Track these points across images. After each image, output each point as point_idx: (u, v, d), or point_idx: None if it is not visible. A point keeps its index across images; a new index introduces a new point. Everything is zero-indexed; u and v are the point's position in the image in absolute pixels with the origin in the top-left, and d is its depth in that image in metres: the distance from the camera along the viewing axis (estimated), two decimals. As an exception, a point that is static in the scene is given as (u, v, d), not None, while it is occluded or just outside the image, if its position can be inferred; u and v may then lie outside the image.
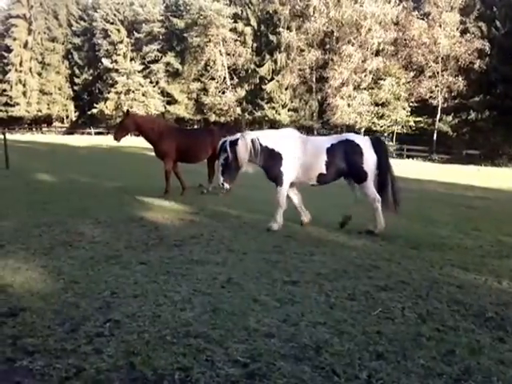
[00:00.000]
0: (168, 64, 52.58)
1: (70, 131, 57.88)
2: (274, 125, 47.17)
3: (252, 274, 4.85)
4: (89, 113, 56.97)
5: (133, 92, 53.56)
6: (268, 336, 3.40)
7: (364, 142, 6.91)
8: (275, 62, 45.01)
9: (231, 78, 49.86)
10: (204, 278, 4.69)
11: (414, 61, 37.91)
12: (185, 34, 49.58)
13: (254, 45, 48.64)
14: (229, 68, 49.39)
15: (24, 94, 58.10)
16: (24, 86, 58.11)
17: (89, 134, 54.98)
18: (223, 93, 49.00)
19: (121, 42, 54.32)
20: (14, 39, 57.74)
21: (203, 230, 6.83)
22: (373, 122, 39.22)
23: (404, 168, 20.63)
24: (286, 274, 4.84)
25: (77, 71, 59.49)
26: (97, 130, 56.30)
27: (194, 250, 5.78)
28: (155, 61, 53.41)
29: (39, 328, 3.42)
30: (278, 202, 6.91)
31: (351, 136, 7.27)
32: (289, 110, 44.82)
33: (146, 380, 2.79)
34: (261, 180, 7.90)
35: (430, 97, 36.72)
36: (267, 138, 6.94)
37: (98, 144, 35.97)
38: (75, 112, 62.00)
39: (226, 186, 6.78)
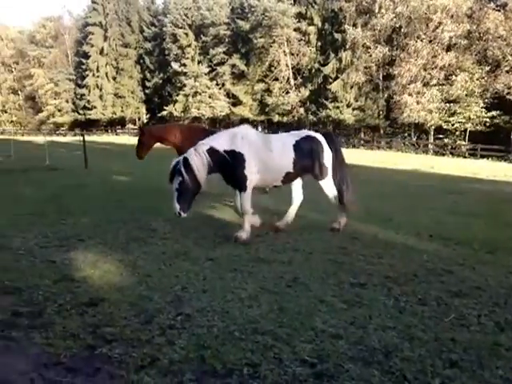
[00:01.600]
0: (233, 66, 53.41)
1: (142, 133, 60.54)
2: (339, 125, 46.47)
3: (318, 274, 4.83)
4: (159, 115, 59.26)
5: (200, 94, 54.97)
6: (335, 337, 3.38)
7: (321, 138, 6.89)
8: (340, 60, 44.22)
9: (295, 78, 49.69)
10: (270, 276, 4.74)
11: (490, 55, 35.57)
12: (250, 36, 50.17)
13: (318, 44, 48.11)
14: (292, 68, 49.25)
15: (100, 97, 61.69)
16: (100, 90, 61.72)
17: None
18: (287, 93, 48.94)
19: (189, 45, 55.92)
20: (92, 46, 61.43)
21: (268, 229, 6.89)
22: (444, 120, 37.38)
23: (478, 168, 19.55)
24: (352, 276, 4.77)
25: (148, 75, 62.07)
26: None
27: (259, 248, 5.86)
28: (221, 63, 54.47)
29: (116, 318, 3.64)
30: (244, 209, 6.22)
31: (310, 132, 7.03)
32: (353, 110, 43.83)
33: (216, 373, 2.88)
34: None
35: (508, 93, 34.36)
36: (223, 139, 6.19)
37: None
38: (146, 114, 64.72)
39: (184, 214, 5.80)
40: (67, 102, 65.98)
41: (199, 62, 55.98)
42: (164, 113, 57.93)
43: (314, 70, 47.62)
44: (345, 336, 3.40)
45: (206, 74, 55.05)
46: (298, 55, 48.21)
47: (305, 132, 7.01)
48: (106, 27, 61.63)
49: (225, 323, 3.58)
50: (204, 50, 56.00)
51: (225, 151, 6.00)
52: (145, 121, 63.11)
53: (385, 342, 3.33)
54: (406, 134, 41.37)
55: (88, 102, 61.80)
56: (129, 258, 5.26)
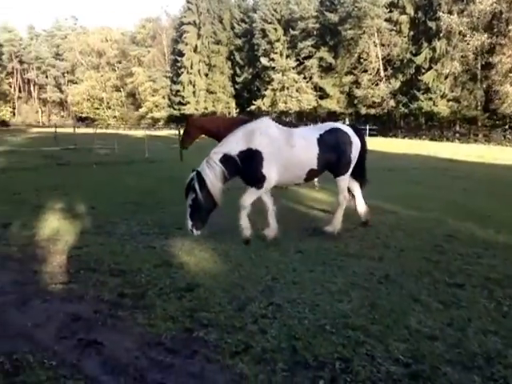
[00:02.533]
0: (321, 59, 52.77)
1: (232, 127, 62.28)
2: (431, 117, 43.96)
3: (411, 272, 4.64)
4: (248, 109, 60.47)
5: (287, 88, 55.19)
6: (431, 338, 3.23)
7: (349, 130, 6.41)
8: (433, 49, 41.67)
9: (385, 69, 47.82)
10: (360, 271, 4.65)
11: None
12: (338, 28, 49.17)
13: (410, 33, 45.78)
14: (383, 59, 47.42)
15: (194, 93, 64.40)
16: (194, 86, 64.43)
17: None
18: (376, 85, 47.30)
19: (277, 40, 56.24)
20: (186, 44, 64.24)
21: (357, 223, 6.75)
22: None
23: None
24: (448, 276, 4.52)
25: (238, 71, 63.55)
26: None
27: (349, 243, 5.76)
28: (309, 56, 54.10)
29: (211, 304, 3.80)
30: (242, 204, 5.64)
31: (335, 124, 6.53)
32: (448, 101, 41.14)
33: (308, 365, 2.90)
34: (421, 175, 7.46)
35: None
36: (238, 139, 5.62)
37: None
38: (236, 109, 66.41)
39: (196, 232, 5.35)
40: (164, 98, 69.74)
41: (287, 57, 56.06)
42: (252, 107, 58.93)
43: (405, 61, 45.47)
44: (441, 338, 3.24)
45: (293, 68, 55.03)
46: (388, 46, 46.34)
47: (330, 124, 6.50)
48: (200, 26, 63.99)
49: (315, 316, 3.58)
50: (292, 44, 55.95)
51: (240, 153, 5.49)
52: (234, 115, 64.69)
53: (486, 346, 3.12)
54: (507, 127, 37.99)
55: (182, 97, 64.78)
56: (222, 246, 5.46)
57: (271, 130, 5.78)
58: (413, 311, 3.69)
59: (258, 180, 5.63)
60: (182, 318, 3.54)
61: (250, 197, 5.67)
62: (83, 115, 78.96)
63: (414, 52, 44.57)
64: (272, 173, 5.64)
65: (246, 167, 5.54)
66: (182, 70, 64.63)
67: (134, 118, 75.54)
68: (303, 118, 56.37)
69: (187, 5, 64.78)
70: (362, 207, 6.68)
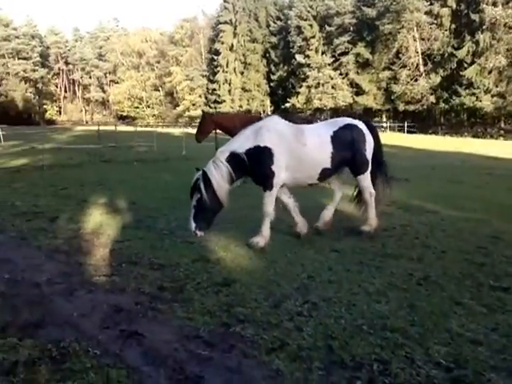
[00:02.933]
0: (358, 55, 52.01)
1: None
2: (474, 113, 42.50)
3: (452, 274, 4.52)
4: (282, 107, 60.39)
5: (322, 85, 54.73)
6: (474, 343, 3.14)
7: (363, 126, 6.09)
8: (476, 43, 40.22)
9: (425, 64, 46.56)
10: (399, 272, 4.57)
11: None
12: (376, 23, 48.28)
13: (452, 26, 44.35)
14: (422, 54, 46.19)
15: (229, 91, 64.99)
16: (229, 84, 65.02)
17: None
18: (415, 80, 46.13)
19: (313, 37, 55.83)
20: (222, 43, 64.84)
21: (396, 223, 6.63)
22: None
23: None
24: (493, 279, 4.37)
25: (273, 68, 63.56)
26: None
27: (386, 242, 5.67)
28: (345, 53, 53.46)
29: (248, 300, 3.84)
30: (265, 211, 5.45)
31: (349, 120, 6.15)
32: (492, 96, 39.63)
33: (345, 365, 2.88)
34: (463, 174, 7.25)
35: None
36: (245, 137, 5.43)
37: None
38: (270, 107, 66.49)
39: (199, 233, 5.13)
40: (200, 96, 70.68)
41: (323, 53, 55.57)
42: (287, 105, 58.79)
43: (446, 55, 44.14)
44: (485, 343, 3.14)
45: (329, 65, 54.50)
46: (428, 40, 45.11)
47: (344, 120, 6.11)
48: (236, 24, 64.39)
49: (352, 316, 3.55)
50: (328, 41, 55.41)
51: (248, 150, 5.30)
52: (269, 113, 64.72)
53: (536, 354, 3.00)
54: (559, 124, 36.27)
55: (218, 96, 65.47)
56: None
57: (279, 126, 5.55)
58: (454, 314, 3.59)
59: (267, 177, 5.36)
60: (220, 312, 3.60)
61: (268, 201, 5.44)
62: (124, 114, 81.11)
63: (455, 46, 43.23)
64: (281, 170, 5.39)
65: (255, 165, 5.32)
66: (218, 68, 65.28)
67: (172, 117, 76.90)
68: (339, 114, 55.70)
69: (224, 4, 65.33)
70: (327, 214, 6.14)
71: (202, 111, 11.61)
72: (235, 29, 64.53)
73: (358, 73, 53.02)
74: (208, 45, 71.55)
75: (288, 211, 5.85)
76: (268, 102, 66.70)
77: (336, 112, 56.21)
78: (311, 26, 55.92)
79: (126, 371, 2.75)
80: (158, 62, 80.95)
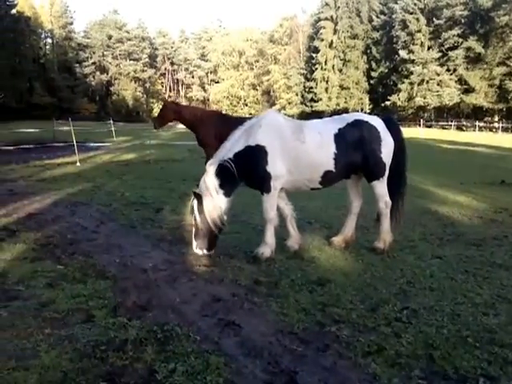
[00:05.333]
0: (468, 49, 48.40)
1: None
2: None
3: None
4: (382, 105, 58.34)
5: (427, 82, 51.87)
6: None
7: (378, 123, 5.12)
8: None
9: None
10: (510, 284, 4.23)
11: None
12: (491, 14, 44.48)
13: None
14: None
15: (326, 89, 64.19)
16: (327, 82, 64.23)
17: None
18: (537, 76, 41.91)
19: (419, 31, 53.10)
20: (321, 40, 64.22)
21: (507, 232, 6.11)
22: None
23: None
24: None
25: (374, 65, 61.55)
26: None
27: (495, 252, 5.25)
28: (454, 47, 50.07)
29: (343, 300, 3.80)
30: (266, 217, 4.92)
31: (360, 116, 5.27)
32: None
33: (447, 376, 2.73)
34: None
35: None
36: (236, 139, 4.92)
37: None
38: (369, 105, 64.54)
39: (201, 252, 4.82)
40: (297, 95, 70.80)
41: (429, 48, 52.60)
42: (387, 103, 56.62)
43: None
44: None
45: (435, 60, 51.43)
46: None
47: (354, 116, 5.30)
48: (337, 20, 63.41)
49: (456, 326, 3.35)
50: (435, 35, 52.31)
51: (237, 154, 4.81)
52: (367, 111, 62.91)
53: None
54: None
55: (315, 94, 65.01)
56: (353, 244, 5.37)
57: (274, 122, 4.97)
58: None
59: (262, 180, 4.83)
60: (314, 311, 3.60)
61: (268, 205, 4.89)
62: (222, 112, 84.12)
63: None
64: (278, 170, 4.80)
65: (248, 167, 4.81)
66: (316, 66, 64.79)
67: (268, 115, 77.97)
68: (444, 113, 52.47)
69: (325, 0, 64.61)
70: (348, 230, 5.35)
71: (163, 99, 10.92)
72: (336, 25, 63.55)
73: (467, 69, 49.37)
74: (307, 42, 71.35)
75: (284, 219, 5.24)
76: (367, 100, 64.75)
77: (441, 111, 52.96)
78: (417, 19, 53.17)
79: (224, 359, 2.87)
80: (257, 61, 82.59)
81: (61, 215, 6.94)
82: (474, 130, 44.03)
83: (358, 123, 5.04)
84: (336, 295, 3.91)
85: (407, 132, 41.05)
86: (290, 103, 71.86)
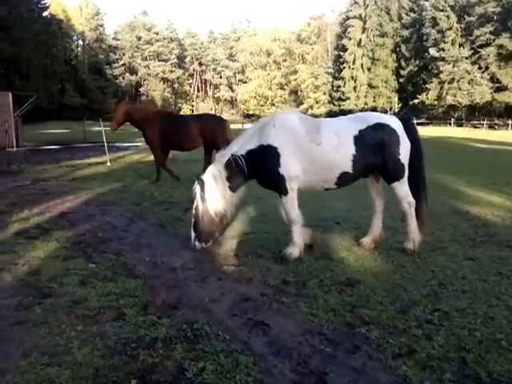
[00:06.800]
0: (501, 46, 47.01)
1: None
2: None
3: None
4: (411, 104, 57.32)
5: (457, 81, 50.66)
6: None
7: (397, 125, 5.00)
8: None
9: None
10: (548, 287, 4.08)
11: None
12: (526, 10, 43.15)
13: None
14: None
15: (354, 88, 63.55)
16: (355, 81, 63.56)
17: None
18: None
19: (449, 28, 51.93)
20: (350, 39, 63.61)
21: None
22: None
23: None
24: None
25: (403, 63, 60.47)
26: (419, 121, 56.13)
27: (532, 254, 5.08)
28: (486, 44, 48.77)
29: (372, 302, 3.75)
30: (290, 218, 4.83)
31: (380, 117, 5.12)
32: None
33: (480, 380, 2.67)
34: None
35: None
36: (249, 136, 4.87)
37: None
38: (398, 104, 63.49)
39: (199, 245, 4.79)
40: (324, 94, 70.37)
41: (460, 46, 51.38)
42: (416, 101, 55.59)
43: None
44: None
45: (466, 58, 50.19)
46: None
47: (373, 116, 5.13)
48: (365, 19, 62.71)
49: (489, 329, 3.26)
50: (467, 32, 51.06)
51: (250, 152, 4.75)
52: (396, 110, 61.94)
53: None
54: None
55: (343, 93, 64.45)
56: (382, 245, 5.30)
57: (288, 122, 4.84)
58: None
59: (277, 182, 4.76)
60: (343, 311, 3.57)
61: (289, 207, 4.81)
62: (249, 112, 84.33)
63: None
64: (293, 171, 4.71)
65: (260, 168, 4.77)
66: (344, 65, 64.21)
67: (295, 115, 77.73)
68: (475, 112, 51.12)
69: (354, -2, 64.04)
70: (375, 229, 5.27)
71: (116, 100, 11.12)
72: (364, 23, 62.82)
73: (499, 66, 47.96)
74: (335, 41, 70.81)
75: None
76: (396, 99, 63.70)
77: (472, 110, 51.62)
78: (448, 16, 52.01)
79: (253, 359, 2.88)
80: (285, 61, 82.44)
81: (92, 214, 7.11)
82: (506, 129, 42.73)
83: (379, 126, 4.90)
84: (365, 296, 3.86)
85: (437, 131, 40.24)
86: (317, 102, 71.46)
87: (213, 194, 4.68)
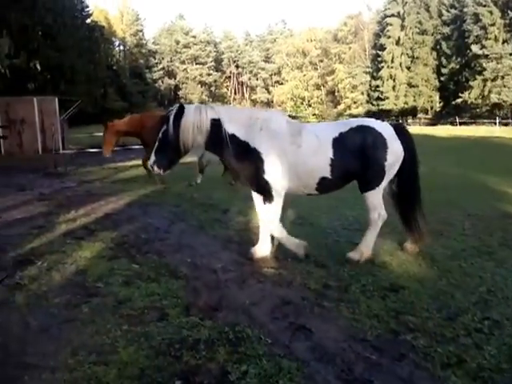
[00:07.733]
0: (549, 41, 45.07)
1: (433, 122, 58.07)
2: None
3: None
4: (453, 103, 55.54)
5: (502, 78, 48.68)
6: None
7: (385, 129, 4.69)
8: None
9: None
10: None
11: None
12: None
13: None
14: None
15: (393, 88, 62.06)
16: (394, 80, 62.08)
17: (452, 124, 53.67)
18: None
19: (492, 24, 49.99)
20: (388, 37, 62.20)
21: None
22: None
23: None
24: None
25: (444, 61, 58.61)
26: (461, 120, 54.38)
27: None
28: (532, 39, 46.85)
29: (418, 308, 3.65)
30: (275, 231, 4.77)
31: (366, 121, 4.81)
32: None
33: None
34: None
35: None
36: (242, 120, 4.60)
37: (461, 134, 34.71)
38: (439, 103, 61.62)
39: (157, 170, 4.60)
40: (362, 94, 69.25)
41: (504, 42, 49.37)
42: (458, 100, 53.84)
43: None
44: None
45: (510, 55, 48.21)
46: None
47: (360, 121, 4.87)
48: (404, 16, 61.28)
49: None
50: (510, 28, 48.97)
51: (233, 136, 4.53)
52: (437, 109, 60.29)
53: None
54: None
55: (381, 93, 63.19)
56: (426, 250, 5.14)
57: (274, 124, 4.64)
58: None
59: (262, 188, 4.66)
60: (387, 318, 3.49)
61: (273, 217, 4.72)
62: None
63: None
64: (278, 178, 4.58)
65: (245, 166, 4.63)
66: (383, 64, 62.91)
67: (333, 115, 76.99)
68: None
69: (392, -4, 62.77)
70: (364, 244, 4.84)
71: (105, 123, 10.42)
72: (403, 21, 61.37)
73: (547, 62, 45.85)
74: (373, 40, 69.60)
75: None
76: (437, 98, 61.88)
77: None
78: (491, 12, 50.11)
79: (297, 364, 2.85)
80: (321, 61, 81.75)
81: (134, 215, 7.27)
82: (556, 127, 40.75)
83: (361, 129, 4.68)
84: (410, 302, 3.76)
85: (482, 131, 38.82)
86: (355, 102, 70.48)
87: (186, 123, 4.47)
